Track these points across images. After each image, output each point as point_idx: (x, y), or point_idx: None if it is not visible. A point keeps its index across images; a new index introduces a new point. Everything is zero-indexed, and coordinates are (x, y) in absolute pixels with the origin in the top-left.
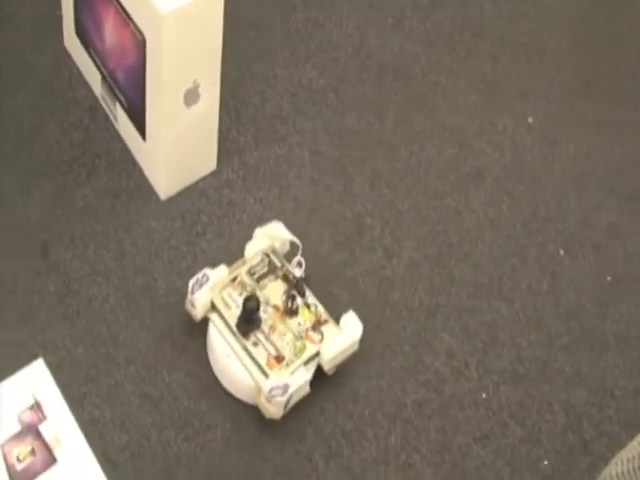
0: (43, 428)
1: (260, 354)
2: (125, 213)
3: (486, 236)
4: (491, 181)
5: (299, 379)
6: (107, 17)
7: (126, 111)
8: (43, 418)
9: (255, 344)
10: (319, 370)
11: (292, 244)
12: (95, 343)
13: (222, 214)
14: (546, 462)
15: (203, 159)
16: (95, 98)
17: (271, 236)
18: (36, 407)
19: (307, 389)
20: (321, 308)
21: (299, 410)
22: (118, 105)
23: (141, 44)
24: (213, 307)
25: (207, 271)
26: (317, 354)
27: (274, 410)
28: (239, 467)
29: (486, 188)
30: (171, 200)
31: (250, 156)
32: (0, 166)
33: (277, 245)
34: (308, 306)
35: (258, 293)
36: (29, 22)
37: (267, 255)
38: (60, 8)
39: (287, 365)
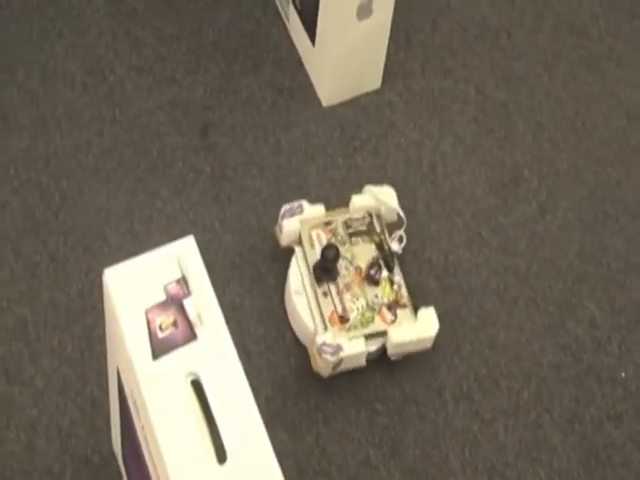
0: (187, 303)
1: (326, 306)
2: (286, 112)
3: None
4: None
5: (354, 348)
6: None
7: (298, 13)
8: (188, 294)
9: (325, 294)
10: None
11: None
12: (243, 231)
13: (381, 134)
14: None
15: (368, 75)
16: None
17: (379, 200)
18: (182, 281)
19: (363, 362)
20: (404, 291)
21: (433, 346)
22: (291, 5)
23: None
24: (299, 241)
25: (304, 203)
26: (384, 333)
27: (322, 366)
28: (371, 385)
29: None
30: (332, 109)
31: (415, 82)
32: (173, 44)
33: (383, 211)
34: (392, 282)
35: (346, 247)
36: None
37: (370, 215)
38: None
39: (348, 330)
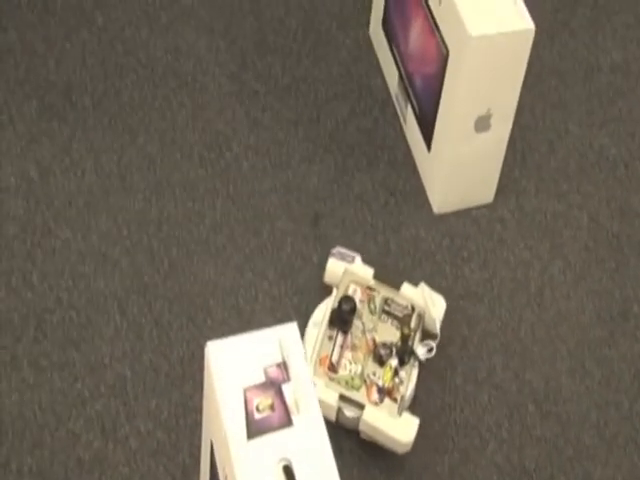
0: (286, 388)
1: (325, 347)
2: (397, 213)
3: None
4: None
5: (326, 395)
6: (415, 20)
7: (416, 117)
8: (287, 379)
9: (330, 338)
10: None
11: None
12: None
13: (490, 248)
14: None
15: (482, 189)
16: (388, 93)
17: (426, 302)
18: (283, 366)
19: (332, 417)
20: (404, 390)
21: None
22: (410, 108)
23: (443, 58)
24: (338, 285)
25: (357, 257)
26: (362, 407)
27: None
28: None
29: None
30: (443, 216)
31: (528, 202)
32: (291, 129)
33: (427, 315)
34: (396, 373)
35: (373, 318)
36: (343, 2)
37: (413, 309)
38: None
39: (332, 379)
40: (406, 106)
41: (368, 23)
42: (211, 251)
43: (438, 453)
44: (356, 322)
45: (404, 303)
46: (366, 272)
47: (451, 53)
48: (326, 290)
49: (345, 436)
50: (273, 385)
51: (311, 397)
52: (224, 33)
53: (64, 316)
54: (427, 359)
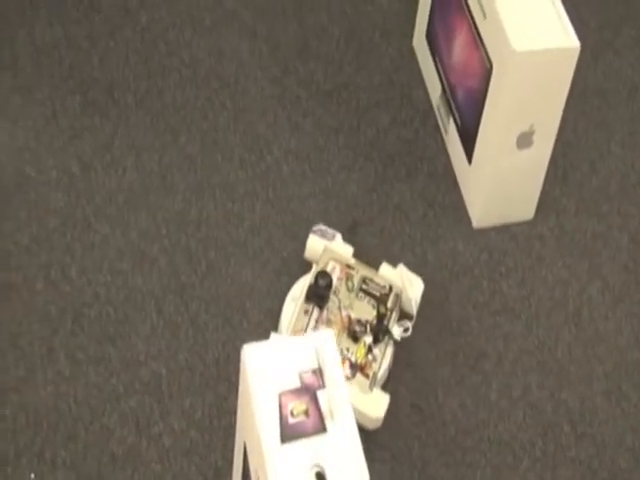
0: (321, 395)
1: (300, 321)
2: (435, 225)
3: None
4: None
5: None
6: (459, 32)
7: (458, 130)
8: (322, 385)
9: (306, 312)
10: None
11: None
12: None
13: (528, 265)
14: None
15: (522, 205)
16: (430, 104)
17: (404, 284)
18: (318, 372)
19: None
20: (377, 368)
21: None
22: (451, 121)
23: (487, 72)
24: (317, 262)
25: (338, 236)
26: None
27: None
28: None
29: None
30: (482, 231)
31: (568, 221)
32: (331, 136)
33: (404, 296)
34: (370, 351)
35: (350, 296)
36: (386, 10)
37: (391, 289)
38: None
39: None
40: (448, 118)
41: (411, 34)
42: (249, 254)
43: (471, 468)
44: (333, 298)
45: (382, 283)
46: (346, 250)
47: (495, 67)
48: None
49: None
50: (308, 391)
51: (346, 405)
52: (267, 37)
53: (101, 311)
54: (402, 338)
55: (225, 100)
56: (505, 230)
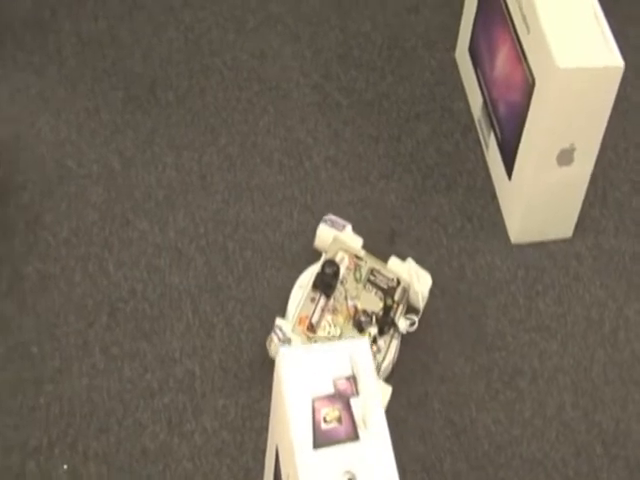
0: (354, 402)
1: (306, 308)
2: (473, 239)
3: None
4: None
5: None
6: (502, 46)
7: (498, 144)
8: (356, 393)
9: (312, 300)
10: None
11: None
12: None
13: (565, 284)
14: None
15: (561, 222)
16: (471, 117)
17: (412, 278)
18: (352, 380)
19: None
20: (380, 357)
21: None
22: (492, 135)
23: (529, 87)
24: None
25: (349, 227)
26: None
27: (268, 345)
28: None
29: None
30: (520, 247)
31: (606, 240)
32: (371, 145)
33: (412, 290)
34: (374, 342)
35: (357, 287)
36: (430, 21)
37: (398, 282)
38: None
39: (308, 339)
40: (489, 132)
41: (454, 45)
42: (286, 258)
43: None
44: (340, 288)
45: (390, 276)
46: (355, 241)
47: (537, 83)
48: None
49: None
50: (341, 398)
51: (379, 414)
52: (310, 42)
53: (137, 307)
54: (408, 333)
55: (266, 103)
56: (543, 247)
